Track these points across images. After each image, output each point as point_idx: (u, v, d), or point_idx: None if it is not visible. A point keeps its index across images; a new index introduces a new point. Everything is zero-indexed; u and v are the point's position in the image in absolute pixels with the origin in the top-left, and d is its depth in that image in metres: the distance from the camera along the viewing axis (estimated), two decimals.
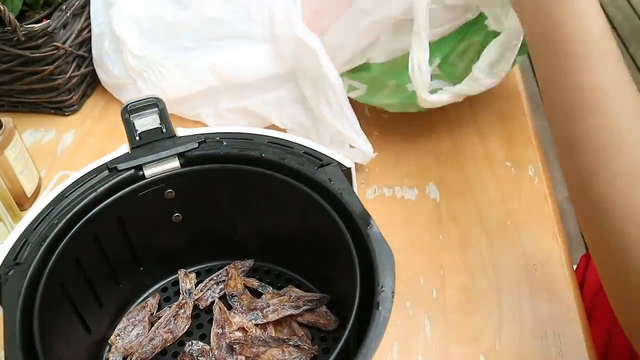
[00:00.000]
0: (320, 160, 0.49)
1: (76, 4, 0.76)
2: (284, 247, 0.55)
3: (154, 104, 0.51)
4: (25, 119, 0.80)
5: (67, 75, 0.77)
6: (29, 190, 0.68)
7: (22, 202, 0.67)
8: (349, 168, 0.49)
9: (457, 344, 0.53)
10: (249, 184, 0.52)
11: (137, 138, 0.51)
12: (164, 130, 0.51)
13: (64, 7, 0.75)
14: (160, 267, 0.55)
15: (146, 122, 0.51)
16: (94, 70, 0.82)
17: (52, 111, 0.80)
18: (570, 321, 0.54)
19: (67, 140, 0.77)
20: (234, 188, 0.52)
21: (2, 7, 0.67)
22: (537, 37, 0.48)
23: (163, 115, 0.51)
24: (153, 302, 0.54)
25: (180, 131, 0.52)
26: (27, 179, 0.67)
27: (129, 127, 0.51)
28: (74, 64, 0.78)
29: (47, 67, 0.74)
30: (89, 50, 0.80)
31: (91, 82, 0.83)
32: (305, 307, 0.52)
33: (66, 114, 0.80)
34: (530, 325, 0.54)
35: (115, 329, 0.52)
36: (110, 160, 0.50)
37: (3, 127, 0.63)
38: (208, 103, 0.74)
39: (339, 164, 0.49)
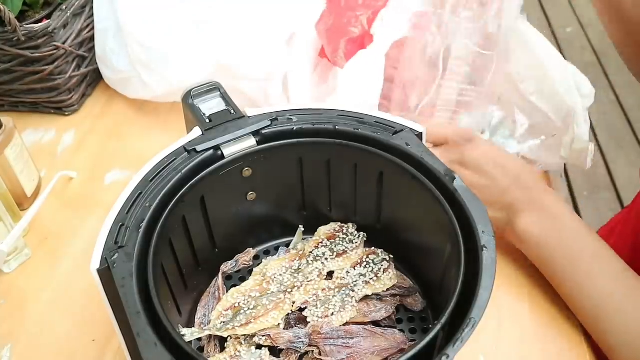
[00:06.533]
0: (393, 128, 0.50)
1: (76, 3, 0.76)
2: (360, 220, 0.55)
3: (216, 87, 0.52)
4: (25, 118, 0.80)
5: (67, 75, 0.77)
6: (29, 190, 0.68)
7: (22, 202, 0.67)
8: (421, 133, 0.50)
9: None
10: (325, 156, 0.52)
11: (208, 121, 0.51)
12: (232, 111, 0.52)
13: (64, 7, 0.75)
14: (232, 248, 0.55)
15: (211, 105, 0.52)
16: (94, 70, 0.82)
17: (52, 111, 0.80)
18: (569, 322, 0.54)
19: (67, 140, 0.77)
20: (310, 163, 0.53)
21: (2, 7, 0.67)
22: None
23: (227, 98, 0.52)
24: (219, 284, 0.54)
25: (250, 111, 0.52)
26: (27, 178, 0.67)
27: (196, 111, 0.51)
28: (74, 64, 0.78)
29: (47, 67, 0.74)
30: (89, 50, 0.80)
31: (91, 82, 0.83)
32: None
33: (66, 113, 0.80)
34: (530, 326, 0.54)
35: (196, 319, 0.52)
36: (188, 143, 0.50)
37: (3, 127, 0.63)
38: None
39: (411, 130, 0.50)
